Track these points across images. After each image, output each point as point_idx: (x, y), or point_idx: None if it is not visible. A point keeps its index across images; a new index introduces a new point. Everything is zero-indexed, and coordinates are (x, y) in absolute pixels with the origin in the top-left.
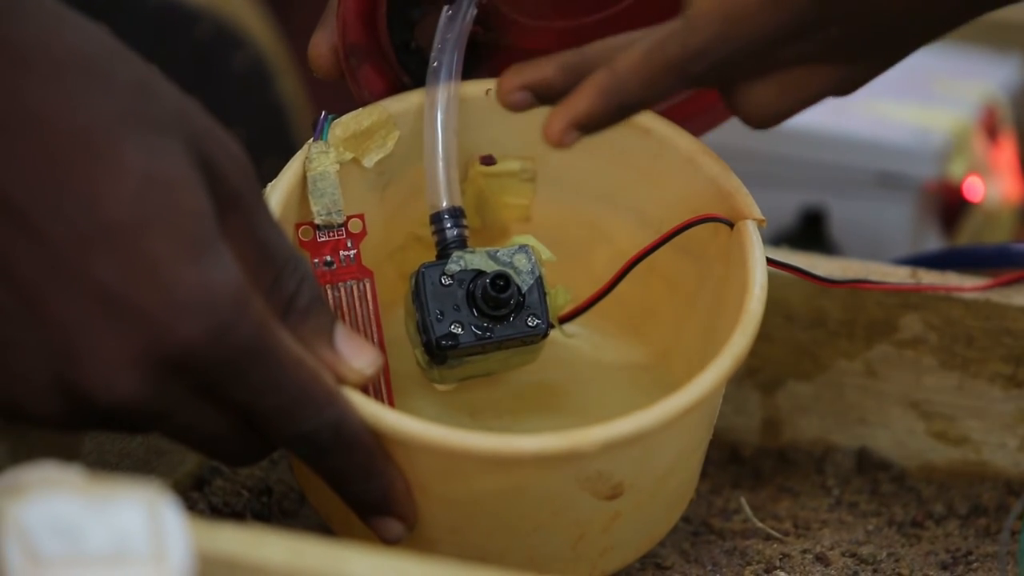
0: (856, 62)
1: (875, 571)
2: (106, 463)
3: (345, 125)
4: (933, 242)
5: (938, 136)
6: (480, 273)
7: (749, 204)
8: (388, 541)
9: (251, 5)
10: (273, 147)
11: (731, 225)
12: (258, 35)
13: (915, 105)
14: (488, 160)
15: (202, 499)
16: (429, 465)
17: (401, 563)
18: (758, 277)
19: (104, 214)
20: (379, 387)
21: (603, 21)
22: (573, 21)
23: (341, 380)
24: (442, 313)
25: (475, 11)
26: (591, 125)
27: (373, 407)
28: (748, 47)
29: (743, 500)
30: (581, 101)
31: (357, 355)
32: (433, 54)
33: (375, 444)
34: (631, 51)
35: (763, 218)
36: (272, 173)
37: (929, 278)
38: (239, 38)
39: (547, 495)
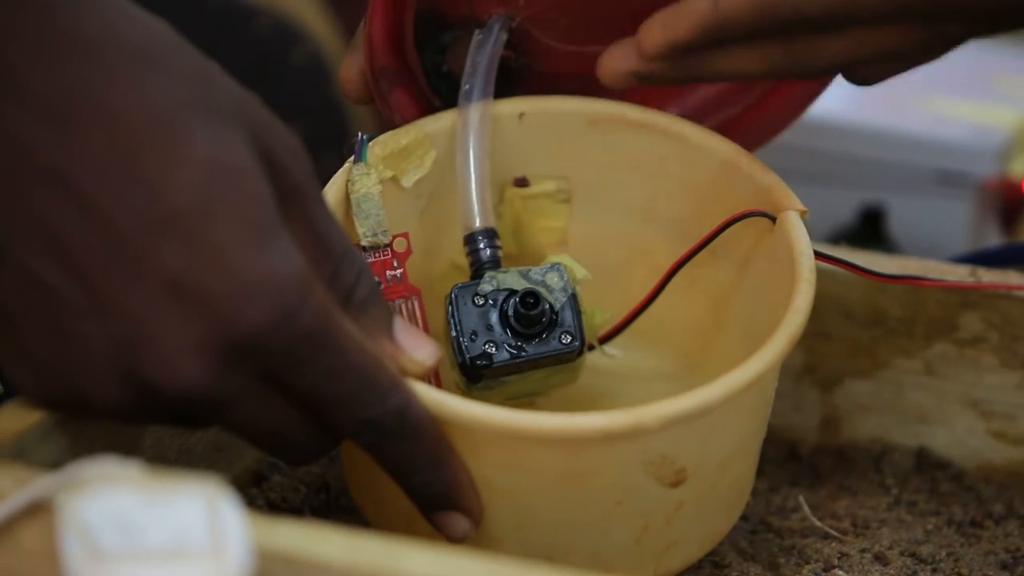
0: (954, 26)
1: (934, 571)
2: (165, 459)
3: (384, 143)
4: (993, 240)
5: (999, 134)
6: (513, 292)
7: (789, 196)
8: (454, 539)
9: (309, 1)
10: (331, 142)
11: (773, 220)
12: (316, 31)
13: (975, 103)
14: (522, 182)
15: (260, 495)
16: (493, 453)
17: (458, 559)
18: (806, 261)
19: (170, 201)
20: None
21: None
22: (603, 46)
23: (402, 371)
24: (476, 333)
25: (506, 35)
26: (679, 51)
27: (436, 394)
28: (860, 15)
29: (801, 498)
30: (679, 28)
31: (417, 347)
32: (464, 77)
33: (440, 433)
34: None
35: (805, 209)
36: (329, 168)
37: (989, 276)
38: (297, 34)
39: (612, 481)
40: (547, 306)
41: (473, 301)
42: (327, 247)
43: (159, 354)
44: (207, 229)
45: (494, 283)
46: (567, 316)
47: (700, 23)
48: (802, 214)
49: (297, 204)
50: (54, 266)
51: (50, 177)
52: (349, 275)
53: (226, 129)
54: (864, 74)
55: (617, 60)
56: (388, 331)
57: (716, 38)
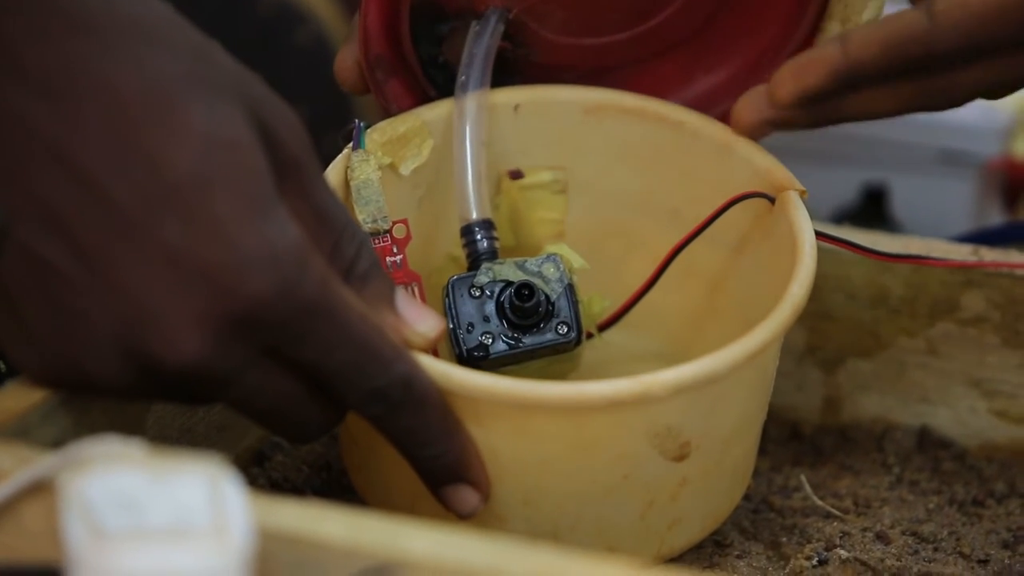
0: None
1: (935, 549)
2: (168, 438)
3: (382, 131)
4: (996, 219)
5: (1002, 113)
6: (509, 283)
7: (788, 177)
8: (463, 515)
9: None
10: (335, 123)
11: (772, 201)
12: (320, 11)
13: None
14: (516, 174)
15: (262, 475)
16: (500, 424)
17: (461, 538)
18: (807, 237)
19: (168, 175)
20: None
21: (631, 39)
22: (601, 39)
23: (406, 343)
24: (472, 325)
25: (503, 26)
26: (811, 99)
27: (441, 365)
28: (990, 46)
29: (803, 478)
30: (810, 76)
31: (420, 319)
32: (461, 68)
33: (446, 403)
34: (867, 34)
35: (803, 188)
36: (333, 149)
37: (992, 255)
38: (301, 14)
39: (618, 453)
40: (543, 297)
41: (470, 293)
42: (327, 221)
43: (160, 329)
44: (205, 203)
45: (490, 274)
46: (563, 307)
47: (830, 70)
48: (801, 194)
49: (295, 179)
50: (54, 243)
51: (49, 153)
52: (350, 248)
53: (223, 104)
54: (999, 95)
55: (751, 111)
56: (390, 303)
57: (848, 83)
